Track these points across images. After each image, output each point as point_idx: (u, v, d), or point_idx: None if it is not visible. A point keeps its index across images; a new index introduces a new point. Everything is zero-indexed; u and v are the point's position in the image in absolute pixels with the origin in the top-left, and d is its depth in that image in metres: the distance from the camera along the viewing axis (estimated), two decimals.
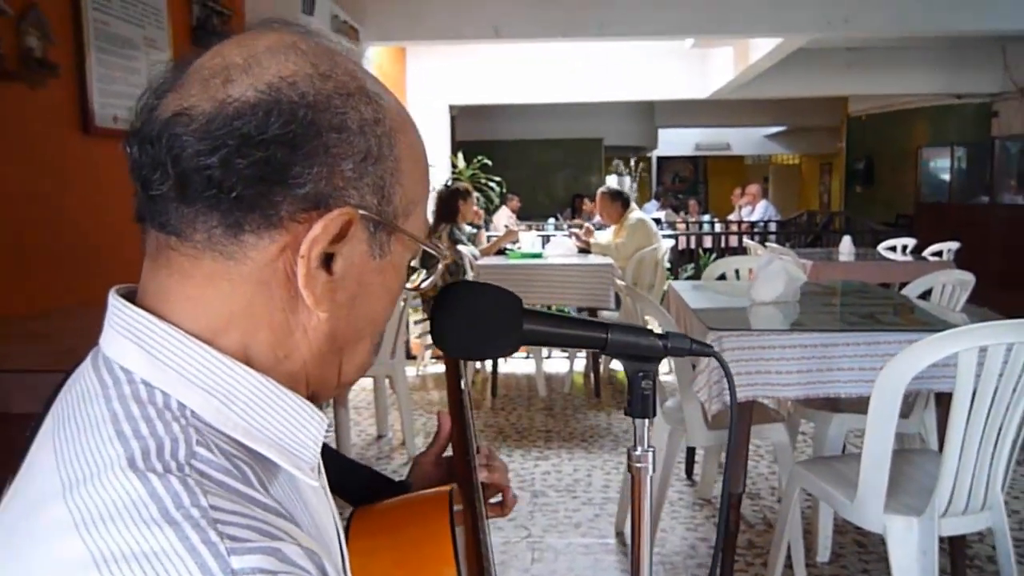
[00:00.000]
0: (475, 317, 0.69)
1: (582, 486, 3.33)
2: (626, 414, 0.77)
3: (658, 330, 0.75)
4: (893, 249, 5.08)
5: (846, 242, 4.83)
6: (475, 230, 5.37)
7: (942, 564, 1.88)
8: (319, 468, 0.58)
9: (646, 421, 0.76)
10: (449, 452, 0.97)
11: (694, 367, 2.26)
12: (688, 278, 6.89)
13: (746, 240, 6.06)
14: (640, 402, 0.75)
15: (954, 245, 4.61)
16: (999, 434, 1.82)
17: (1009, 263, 5.42)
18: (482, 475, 0.96)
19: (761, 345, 2.12)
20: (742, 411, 2.24)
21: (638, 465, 0.77)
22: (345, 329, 0.56)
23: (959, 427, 1.76)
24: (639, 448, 0.77)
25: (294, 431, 0.53)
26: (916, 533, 1.83)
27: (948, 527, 1.87)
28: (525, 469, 3.54)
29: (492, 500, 0.96)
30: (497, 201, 7.75)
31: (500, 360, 5.04)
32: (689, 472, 3.38)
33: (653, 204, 8.62)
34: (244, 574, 0.40)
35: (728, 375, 0.78)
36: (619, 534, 2.85)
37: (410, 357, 5.29)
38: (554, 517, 3.02)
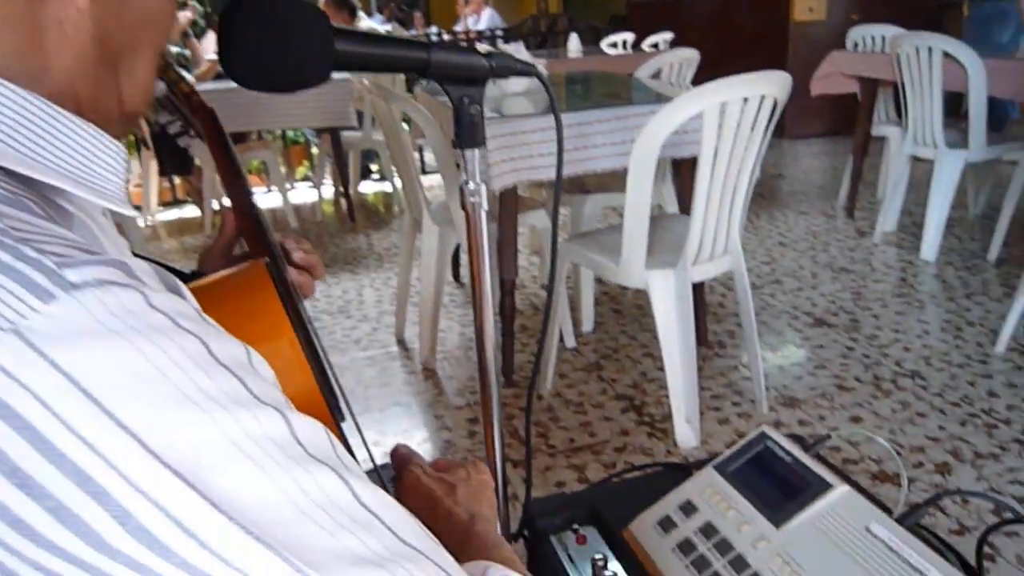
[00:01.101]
0: (277, 33, 0.56)
1: (354, 305, 3.29)
2: (454, 146, 0.70)
3: (482, 53, 0.67)
4: (615, 45, 5.31)
5: (574, 39, 4.96)
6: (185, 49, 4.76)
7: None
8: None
9: (476, 152, 0.70)
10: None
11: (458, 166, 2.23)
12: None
13: (478, 46, 6.00)
14: (468, 130, 0.69)
15: (668, 35, 4.93)
16: (735, 185, 2.02)
17: (716, 46, 5.94)
18: (297, 255, 0.86)
19: (519, 130, 2.13)
20: (507, 199, 2.28)
21: (471, 200, 0.72)
22: (116, 30, 0.42)
23: (705, 180, 1.92)
24: (471, 182, 0.71)
25: (85, 162, 0.40)
26: (673, 282, 2.02)
27: (698, 273, 2.09)
28: None
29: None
30: (203, 23, 6.88)
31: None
32: (456, 274, 3.45)
33: (379, 17, 8.20)
34: (89, 287, 0.29)
35: (550, 94, 0.73)
36: (400, 341, 2.89)
37: (136, 208, 4.74)
38: (331, 338, 2.97)
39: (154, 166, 4.48)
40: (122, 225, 3.42)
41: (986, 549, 1.27)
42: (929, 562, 0.67)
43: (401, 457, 0.71)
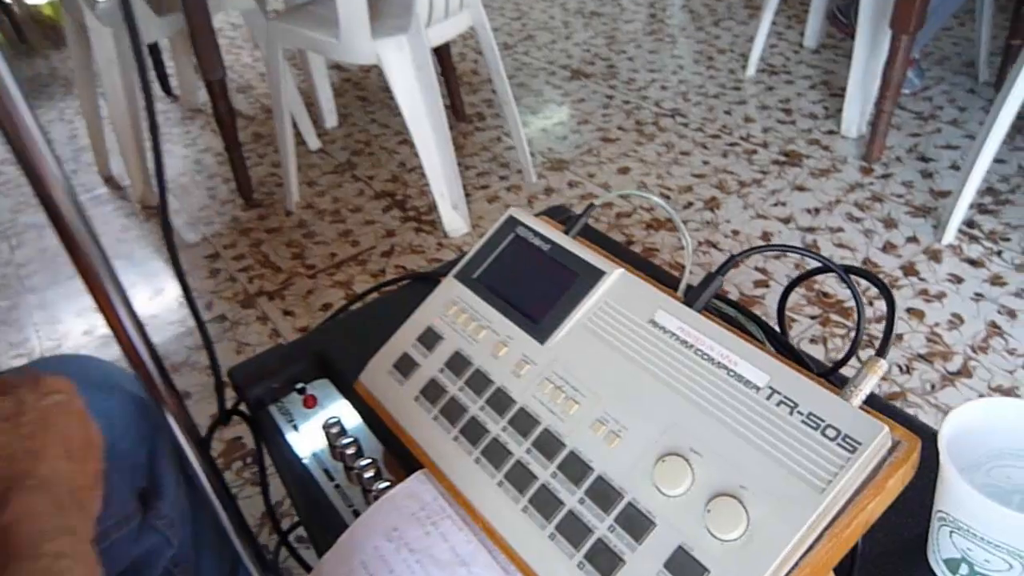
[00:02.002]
0: None
1: None
2: None
3: None
4: None
5: None
6: None
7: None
8: None
9: None
10: None
11: None
12: None
13: None
14: None
15: None
16: None
17: None
18: None
19: None
20: None
21: None
22: None
23: None
24: None
25: None
26: (408, 51, 1.71)
27: (435, 36, 1.78)
28: None
29: None
30: None
31: None
32: (165, 87, 2.88)
33: None
34: None
35: None
36: (107, 180, 2.38)
37: None
38: (21, 195, 2.39)
39: None
40: None
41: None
42: (743, 355, 0.50)
43: None
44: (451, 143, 1.82)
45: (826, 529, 0.44)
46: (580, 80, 2.63)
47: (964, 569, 0.48)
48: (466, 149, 2.29)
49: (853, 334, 1.49)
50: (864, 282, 1.40)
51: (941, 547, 0.49)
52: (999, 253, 1.64)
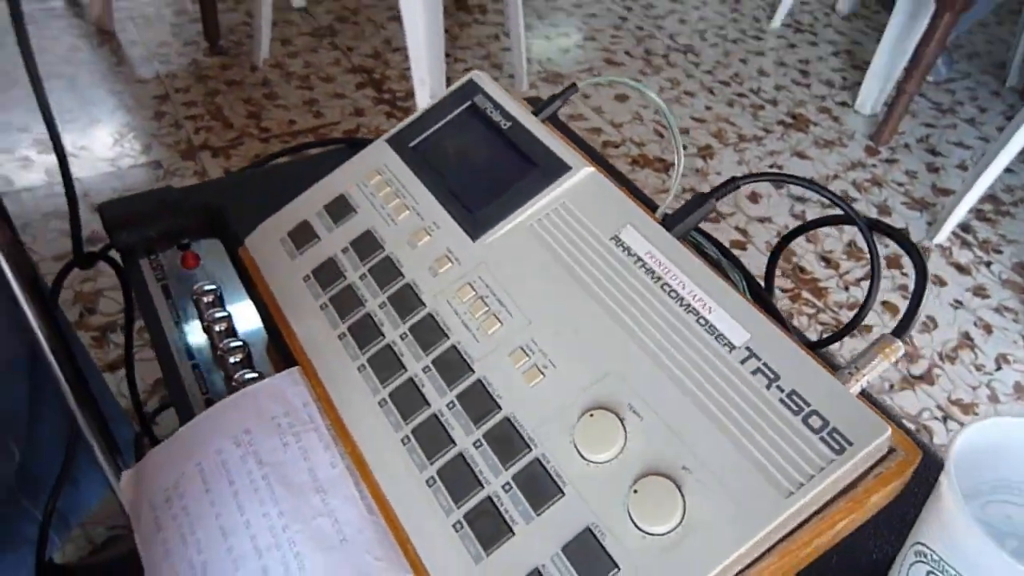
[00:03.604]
0: None
1: None
2: None
3: None
4: None
5: None
6: None
7: None
8: None
9: None
10: None
11: None
12: None
13: None
14: None
15: None
16: None
17: None
18: None
19: None
20: None
21: None
22: None
23: None
24: None
25: None
26: None
27: None
28: None
29: None
30: None
31: None
32: None
33: None
34: None
35: None
36: None
37: None
38: None
39: None
40: None
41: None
42: (708, 291, 0.39)
43: None
44: (442, 28, 1.65)
45: (779, 543, 0.34)
46: None
47: None
48: (460, 41, 2.12)
49: (833, 313, 1.40)
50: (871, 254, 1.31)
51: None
52: (988, 264, 1.56)
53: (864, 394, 0.38)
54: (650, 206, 0.48)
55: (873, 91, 1.95)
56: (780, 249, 0.52)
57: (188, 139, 1.66)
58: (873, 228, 0.44)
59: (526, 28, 2.15)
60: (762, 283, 0.51)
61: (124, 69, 1.88)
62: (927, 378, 1.31)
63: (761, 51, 2.22)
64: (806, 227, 0.50)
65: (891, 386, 1.29)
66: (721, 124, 1.89)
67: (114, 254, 0.61)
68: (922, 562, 0.38)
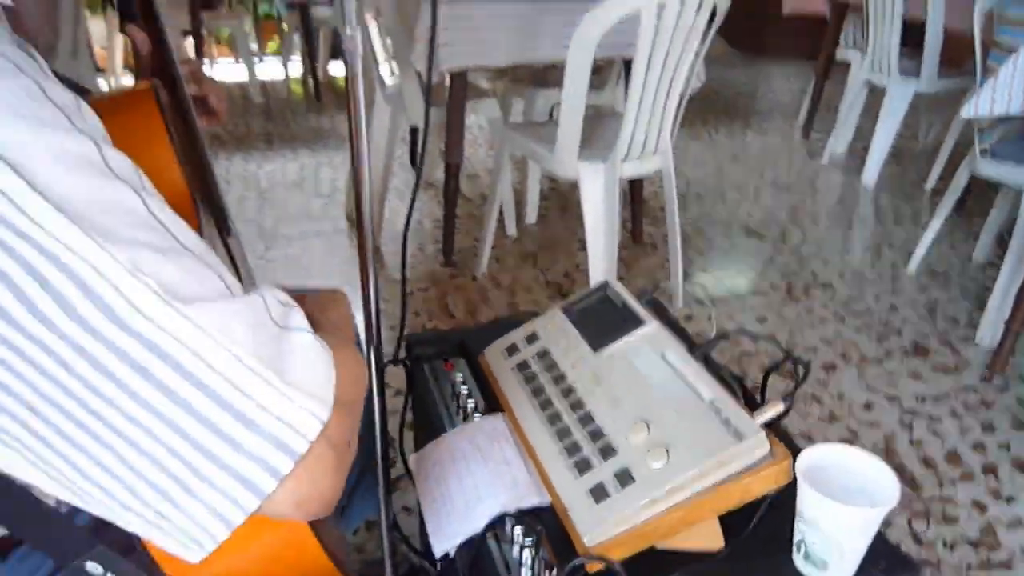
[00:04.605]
0: None
1: (309, 182, 3.37)
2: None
3: None
4: None
5: None
6: None
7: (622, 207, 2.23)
8: None
9: (352, 3, 0.80)
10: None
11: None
12: None
13: None
14: None
15: None
16: (669, 88, 2.10)
17: None
18: (191, 90, 0.96)
19: (471, 13, 2.18)
20: (457, 83, 2.35)
21: (348, 48, 0.81)
22: None
23: (639, 80, 2.00)
24: (348, 28, 0.81)
25: None
26: (602, 175, 2.14)
27: (628, 170, 2.20)
28: (248, 171, 3.48)
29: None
30: None
31: (207, 66, 4.65)
32: (413, 160, 3.53)
33: None
34: None
35: None
36: (349, 218, 2.99)
37: (98, 71, 4.70)
38: (283, 210, 3.06)
39: (117, 26, 4.42)
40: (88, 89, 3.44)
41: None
42: (704, 383, 0.82)
43: None
44: (616, 258, 2.20)
45: (702, 491, 0.74)
46: (752, 238, 2.95)
47: (803, 549, 0.74)
48: (632, 268, 2.67)
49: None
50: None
51: (795, 535, 0.76)
52: None
53: (770, 425, 0.78)
54: (692, 345, 0.92)
55: (990, 327, 2.23)
56: (766, 377, 0.93)
57: (422, 324, 2.27)
58: (796, 362, 0.86)
59: (688, 262, 2.67)
60: (757, 397, 0.92)
61: (384, 272, 2.59)
62: (1006, 565, 1.52)
63: (895, 291, 2.58)
64: (778, 366, 0.92)
65: (968, 567, 1.51)
66: (847, 347, 2.24)
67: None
68: (800, 520, 0.76)
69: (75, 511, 0.51)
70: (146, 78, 0.91)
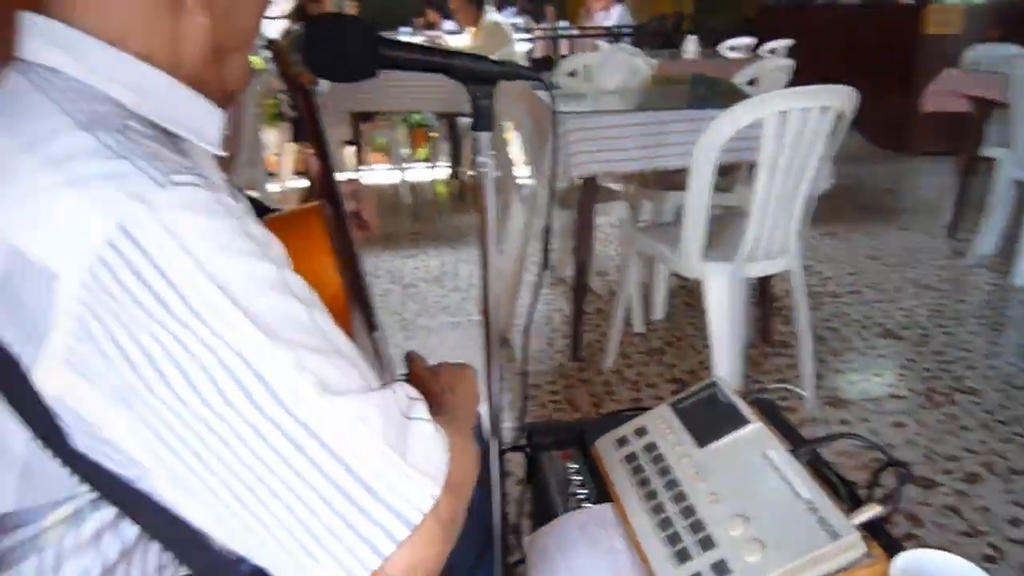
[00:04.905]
0: (339, 42, 0.82)
1: (449, 277, 3.59)
2: (473, 129, 0.94)
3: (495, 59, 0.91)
4: (735, 48, 5.38)
5: (690, 41, 5.08)
6: None
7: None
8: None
9: (486, 134, 0.94)
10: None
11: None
12: None
13: (599, 42, 6.19)
14: (481, 118, 0.92)
15: (787, 42, 4.95)
16: (795, 189, 2.15)
17: (839, 59, 5.88)
18: (350, 206, 1.14)
19: (600, 125, 2.33)
20: (588, 187, 2.50)
21: (482, 170, 0.95)
22: (224, 39, 0.69)
23: (763, 183, 2.07)
24: (480, 155, 0.95)
25: (199, 119, 0.67)
26: (727, 275, 2.18)
27: (754, 270, 2.24)
28: (395, 266, 3.75)
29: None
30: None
31: (365, 173, 5.10)
32: (545, 262, 3.68)
33: (511, 11, 8.53)
34: (182, 184, 0.55)
35: (552, 98, 0.96)
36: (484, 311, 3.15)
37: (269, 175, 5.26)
38: (424, 303, 3.28)
39: (288, 136, 4.97)
40: (257, 188, 3.87)
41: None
42: (803, 481, 0.86)
43: (410, 355, 0.97)
44: (741, 357, 2.21)
45: None
46: (889, 340, 2.86)
47: None
48: (763, 367, 2.65)
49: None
50: None
51: None
52: None
53: (872, 528, 0.80)
54: (798, 442, 0.95)
55: None
56: (875, 478, 0.95)
57: (549, 416, 2.35)
58: (891, 464, 0.88)
59: (820, 362, 2.63)
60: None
61: (512, 365, 2.71)
62: None
63: None
64: (884, 467, 0.94)
65: None
66: (993, 457, 2.12)
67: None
68: None
69: (241, 559, 0.63)
70: (315, 196, 1.09)
